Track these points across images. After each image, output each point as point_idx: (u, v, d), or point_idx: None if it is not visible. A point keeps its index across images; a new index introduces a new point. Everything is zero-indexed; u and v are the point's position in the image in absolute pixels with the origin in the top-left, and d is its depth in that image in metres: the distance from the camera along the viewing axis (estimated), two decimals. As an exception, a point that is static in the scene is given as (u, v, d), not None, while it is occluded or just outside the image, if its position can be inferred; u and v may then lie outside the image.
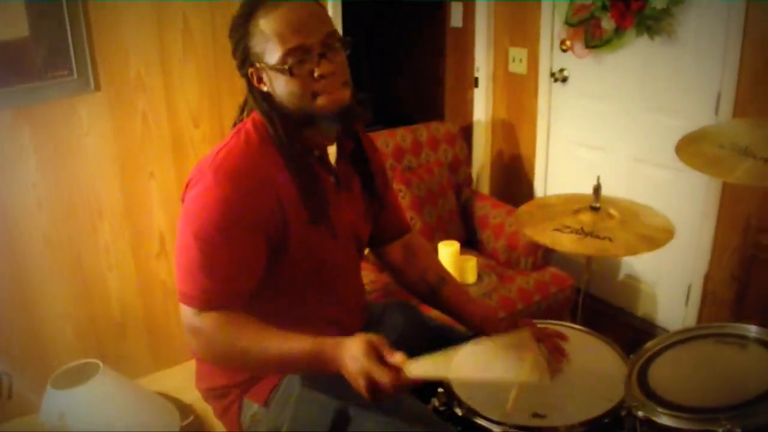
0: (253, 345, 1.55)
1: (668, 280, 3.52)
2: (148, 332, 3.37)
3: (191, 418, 2.96)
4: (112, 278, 3.16)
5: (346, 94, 1.63)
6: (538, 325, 1.91)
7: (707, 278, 3.26)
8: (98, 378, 2.68)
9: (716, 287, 3.24)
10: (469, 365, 1.58)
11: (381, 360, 1.45)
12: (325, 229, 1.71)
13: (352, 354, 1.46)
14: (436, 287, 2.00)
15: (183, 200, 1.62)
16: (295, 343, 1.53)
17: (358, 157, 1.85)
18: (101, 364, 2.73)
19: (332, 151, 1.77)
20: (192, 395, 2.88)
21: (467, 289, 2.93)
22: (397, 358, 1.44)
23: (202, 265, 1.56)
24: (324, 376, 1.60)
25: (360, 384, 1.44)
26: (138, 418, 2.81)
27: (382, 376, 1.42)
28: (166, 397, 3.08)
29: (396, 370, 1.43)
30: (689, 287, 3.39)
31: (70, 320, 3.10)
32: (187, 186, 1.63)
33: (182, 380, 3.17)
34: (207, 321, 1.57)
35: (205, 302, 1.57)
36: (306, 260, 1.70)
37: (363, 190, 1.87)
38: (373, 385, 1.43)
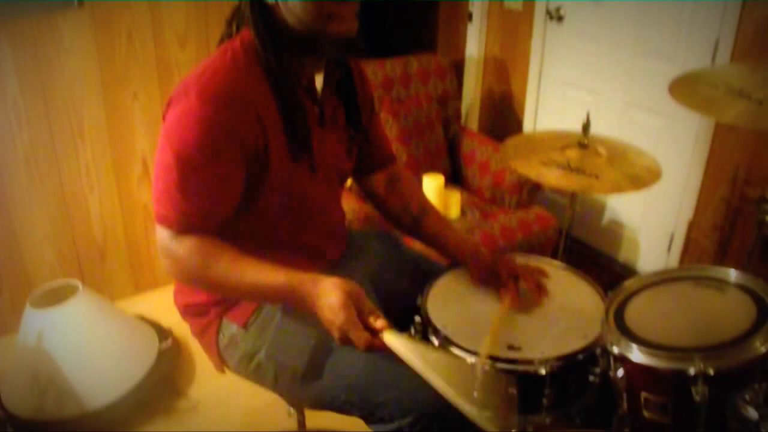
0: (228, 273, 1.53)
1: (651, 227, 3.51)
2: (129, 255, 3.36)
3: (169, 341, 2.96)
4: (93, 200, 3.14)
5: (356, 25, 1.56)
6: (520, 259, 1.89)
7: (691, 227, 3.25)
8: (77, 299, 2.67)
9: (699, 236, 3.24)
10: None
11: (358, 315, 1.43)
12: (306, 163, 1.67)
13: (330, 304, 1.43)
14: (419, 217, 1.97)
15: (164, 118, 1.57)
16: (270, 276, 1.51)
17: (346, 87, 1.79)
18: (80, 285, 2.72)
19: (318, 79, 1.72)
20: (171, 319, 2.90)
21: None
22: (378, 323, 1.43)
23: (180, 186, 1.52)
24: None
25: (333, 334, 1.44)
26: (116, 339, 2.82)
27: (358, 338, 1.41)
28: (145, 320, 3.08)
29: (372, 332, 1.42)
30: (672, 235, 3.38)
31: (51, 241, 3.09)
32: (169, 104, 1.57)
33: (162, 303, 3.18)
34: (183, 244, 1.54)
35: (182, 224, 1.54)
36: (285, 191, 1.67)
37: (348, 122, 1.82)
38: (346, 339, 1.42)
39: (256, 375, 1.77)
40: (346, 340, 1.43)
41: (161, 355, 2.90)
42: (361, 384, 1.63)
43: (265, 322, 1.73)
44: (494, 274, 1.83)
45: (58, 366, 2.59)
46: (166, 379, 2.87)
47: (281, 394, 1.83)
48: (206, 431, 2.66)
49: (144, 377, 2.76)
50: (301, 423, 2.16)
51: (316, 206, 1.79)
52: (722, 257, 3.17)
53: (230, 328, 1.77)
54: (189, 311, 1.85)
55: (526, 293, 1.80)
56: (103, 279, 3.30)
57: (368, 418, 1.66)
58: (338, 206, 1.95)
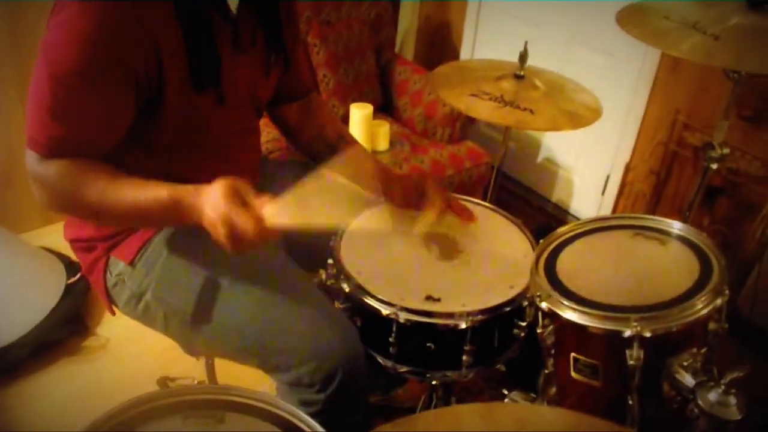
0: (103, 196, 1.36)
1: (587, 168, 3.45)
2: (37, 183, 3.12)
3: (78, 276, 2.78)
4: (-5, 122, 2.91)
5: None
6: None
7: (627, 169, 3.21)
8: (-23, 231, 2.50)
9: (635, 180, 3.20)
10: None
11: (244, 205, 1.29)
12: (212, 94, 1.48)
13: (212, 201, 1.29)
14: (336, 145, 1.80)
15: (47, 26, 1.35)
16: (151, 192, 1.35)
17: (266, 4, 1.58)
18: (-20, 216, 2.53)
19: None
20: (83, 254, 2.72)
21: (371, 152, 2.78)
22: (260, 201, 1.29)
23: (52, 108, 1.32)
24: (194, 240, 1.46)
25: (220, 232, 1.27)
26: (21, 273, 2.66)
27: (244, 222, 1.26)
28: (53, 252, 2.91)
29: (260, 216, 1.28)
30: (607, 177, 3.33)
31: (-52, 167, 2.87)
32: (52, 11, 1.34)
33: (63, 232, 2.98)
34: (51, 168, 1.36)
35: (51, 149, 1.36)
36: (186, 124, 1.48)
37: (267, 45, 1.61)
38: (234, 232, 1.27)
39: (146, 317, 1.65)
40: (234, 238, 1.27)
41: (69, 290, 2.73)
42: (254, 328, 1.52)
43: (152, 259, 1.58)
44: (421, 195, 1.69)
45: (-52, 302, 2.44)
46: (73, 316, 2.72)
47: (173, 339, 1.70)
48: (115, 372, 2.57)
49: (49, 314, 2.60)
50: (210, 365, 2.05)
51: (224, 141, 1.62)
52: (657, 202, 3.14)
53: (117, 265, 1.61)
54: (77, 246, 1.70)
55: (447, 241, 1.68)
56: (7, 208, 3.10)
57: (265, 367, 1.56)
58: (253, 140, 1.77)
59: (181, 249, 1.57)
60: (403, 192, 1.72)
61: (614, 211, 3.31)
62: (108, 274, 1.63)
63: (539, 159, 3.69)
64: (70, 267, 2.81)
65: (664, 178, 3.08)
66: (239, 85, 1.55)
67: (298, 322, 1.49)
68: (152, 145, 1.50)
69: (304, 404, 1.49)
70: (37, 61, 1.33)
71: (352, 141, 1.85)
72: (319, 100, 1.90)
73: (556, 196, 3.65)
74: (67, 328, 2.65)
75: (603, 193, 3.37)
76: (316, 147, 1.83)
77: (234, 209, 1.26)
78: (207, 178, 1.39)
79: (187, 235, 1.54)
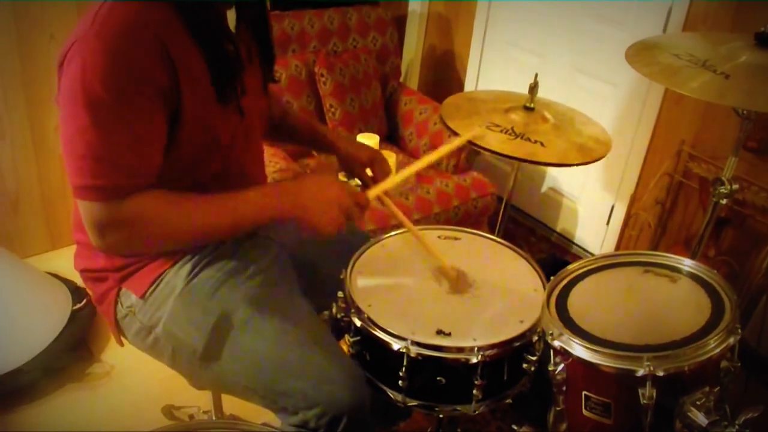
0: (192, 213, 1.43)
1: (592, 198, 3.45)
2: (44, 208, 3.16)
3: (84, 302, 2.77)
4: (5, 149, 2.93)
5: None
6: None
7: (633, 200, 3.20)
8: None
9: (640, 210, 3.18)
10: None
11: None
12: (232, 107, 1.49)
13: (324, 181, 1.50)
14: (283, 118, 1.92)
15: (60, 83, 1.35)
16: (240, 196, 1.47)
17: (260, 22, 1.62)
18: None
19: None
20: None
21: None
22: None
23: (104, 143, 1.31)
24: (207, 277, 1.52)
25: (336, 206, 1.48)
26: (27, 298, 2.63)
27: (361, 195, 1.52)
28: (59, 278, 2.89)
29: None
30: (612, 207, 3.32)
31: (-41, 192, 2.88)
32: (62, 59, 1.34)
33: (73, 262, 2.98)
34: (126, 208, 1.35)
35: (118, 187, 1.34)
36: (202, 139, 1.48)
37: (262, 60, 1.66)
38: (351, 204, 1.50)
39: (154, 350, 1.64)
40: (350, 210, 1.51)
41: (74, 316, 2.71)
42: (264, 370, 1.51)
43: (165, 294, 1.57)
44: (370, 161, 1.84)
45: (-44, 327, 2.42)
46: (78, 342, 2.70)
47: (181, 373, 1.69)
48: (120, 399, 2.54)
49: (54, 340, 2.57)
50: (217, 397, 2.07)
51: (238, 155, 1.62)
52: (662, 233, 3.13)
53: (129, 297, 1.61)
54: (88, 276, 1.68)
55: (457, 275, 1.68)
56: (15, 233, 3.10)
57: (271, 407, 1.55)
58: (261, 155, 1.81)
59: (195, 285, 1.56)
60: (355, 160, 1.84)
61: (619, 241, 3.31)
62: (119, 305, 1.62)
63: (544, 188, 3.68)
64: (76, 293, 2.80)
65: (670, 208, 3.07)
66: (249, 97, 1.56)
67: (308, 366, 1.49)
68: (172, 164, 1.47)
69: None
70: (66, 115, 1.32)
71: (296, 111, 1.98)
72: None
73: (561, 225, 3.64)
74: (72, 354, 2.63)
75: (608, 223, 3.36)
76: (284, 130, 1.92)
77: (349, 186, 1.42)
78: (221, 189, 1.44)
79: (201, 270, 1.55)
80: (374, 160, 1.82)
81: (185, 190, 1.45)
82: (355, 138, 1.81)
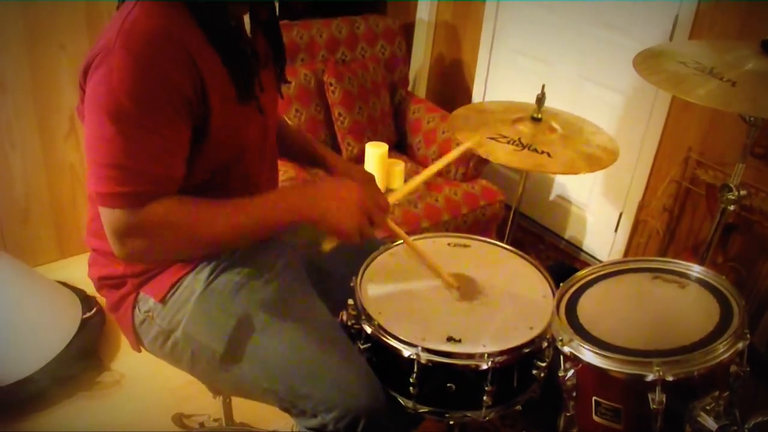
0: (216, 217, 1.42)
1: (600, 205, 3.45)
2: (54, 217, 3.17)
3: (94, 310, 2.78)
4: (15, 158, 2.94)
5: None
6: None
7: (640, 206, 3.21)
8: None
9: (648, 217, 3.19)
10: None
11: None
12: (254, 104, 1.51)
13: (348, 184, 1.51)
14: (290, 135, 1.93)
15: (84, 86, 1.37)
16: (263, 197, 1.50)
17: (272, 27, 1.64)
18: (-1, 250, 2.54)
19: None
20: (98, 287, 2.72)
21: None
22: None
23: (128, 151, 1.32)
24: (228, 279, 1.54)
25: (359, 208, 1.47)
26: (37, 307, 2.64)
27: (384, 199, 1.56)
28: (69, 287, 2.90)
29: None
30: (620, 214, 3.33)
31: (-31, 202, 2.89)
32: (86, 69, 1.36)
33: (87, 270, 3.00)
34: (151, 213, 1.36)
35: (141, 194, 1.35)
36: (228, 143, 1.50)
37: (276, 62, 1.68)
38: (373, 208, 1.49)
39: (172, 355, 1.64)
40: (372, 213, 1.50)
41: (84, 325, 2.72)
42: (284, 373, 1.52)
43: (184, 297, 1.58)
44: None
45: (-35, 336, 2.42)
46: (88, 351, 2.70)
47: (199, 378, 1.71)
48: (130, 408, 2.54)
49: (64, 349, 2.58)
50: (227, 404, 2.06)
51: (258, 156, 1.65)
52: (670, 240, 3.14)
53: (147, 302, 1.61)
54: (104, 284, 1.69)
55: (467, 281, 1.69)
56: (25, 242, 3.11)
57: (290, 410, 1.56)
58: (276, 161, 1.82)
59: (215, 288, 1.57)
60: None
61: (628, 248, 3.31)
62: (137, 310, 1.63)
63: (552, 196, 3.69)
64: (86, 301, 2.80)
65: (678, 215, 3.07)
66: (266, 96, 1.58)
67: (328, 369, 1.50)
68: (194, 173, 1.48)
69: None
70: (91, 119, 1.34)
71: (291, 127, 1.97)
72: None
73: (569, 233, 3.65)
74: (81, 363, 2.63)
75: (616, 230, 3.36)
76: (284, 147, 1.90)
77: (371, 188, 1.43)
78: (240, 193, 1.45)
79: (219, 274, 1.57)
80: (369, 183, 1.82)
81: (206, 194, 1.46)
82: (354, 163, 1.81)
